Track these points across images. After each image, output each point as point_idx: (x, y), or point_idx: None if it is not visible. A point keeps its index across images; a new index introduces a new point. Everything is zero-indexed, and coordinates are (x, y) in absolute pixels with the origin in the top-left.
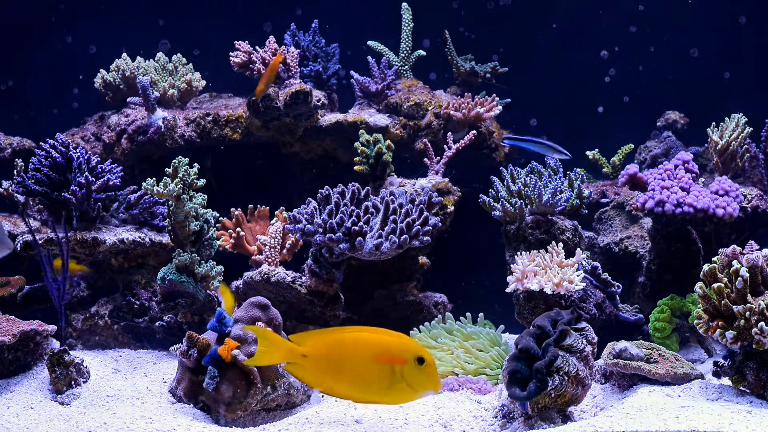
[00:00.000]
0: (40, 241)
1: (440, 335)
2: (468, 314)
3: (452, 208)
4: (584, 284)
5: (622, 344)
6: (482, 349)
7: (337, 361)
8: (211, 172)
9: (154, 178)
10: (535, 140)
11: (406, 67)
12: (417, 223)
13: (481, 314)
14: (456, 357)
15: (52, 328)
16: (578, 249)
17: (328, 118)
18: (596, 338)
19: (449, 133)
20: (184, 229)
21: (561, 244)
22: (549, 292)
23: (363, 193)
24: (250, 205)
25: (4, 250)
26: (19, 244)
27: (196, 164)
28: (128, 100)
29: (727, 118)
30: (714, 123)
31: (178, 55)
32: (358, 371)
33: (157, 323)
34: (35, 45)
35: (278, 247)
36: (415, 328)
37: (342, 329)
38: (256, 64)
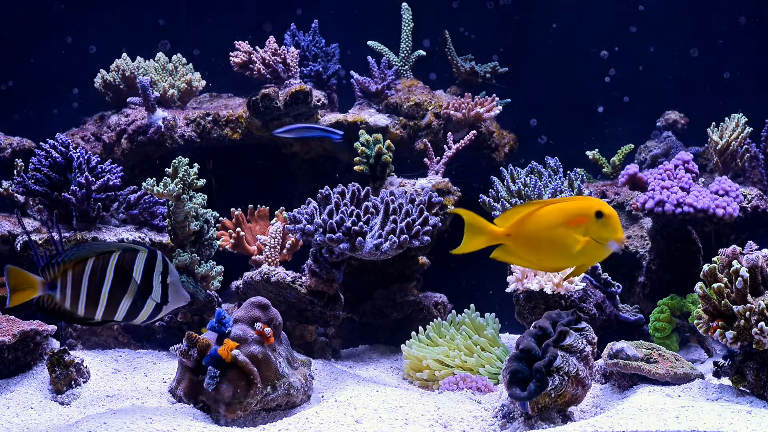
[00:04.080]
0: (40, 242)
1: (447, 331)
2: (472, 305)
3: (452, 208)
4: (584, 284)
5: (622, 345)
6: (485, 348)
7: (535, 235)
8: (211, 172)
9: (154, 178)
10: (303, 126)
11: (406, 67)
12: (417, 223)
13: (492, 314)
14: (458, 354)
15: (52, 328)
16: None
17: (328, 118)
18: (596, 338)
19: (449, 133)
20: (184, 229)
21: None
22: (549, 292)
23: (363, 193)
24: (250, 205)
25: (181, 302)
26: (18, 245)
27: (196, 164)
28: (128, 100)
29: (727, 118)
30: (714, 123)
31: (178, 55)
32: (556, 240)
33: (157, 323)
34: (35, 45)
35: (278, 247)
36: (413, 333)
37: (529, 205)
38: (256, 64)
